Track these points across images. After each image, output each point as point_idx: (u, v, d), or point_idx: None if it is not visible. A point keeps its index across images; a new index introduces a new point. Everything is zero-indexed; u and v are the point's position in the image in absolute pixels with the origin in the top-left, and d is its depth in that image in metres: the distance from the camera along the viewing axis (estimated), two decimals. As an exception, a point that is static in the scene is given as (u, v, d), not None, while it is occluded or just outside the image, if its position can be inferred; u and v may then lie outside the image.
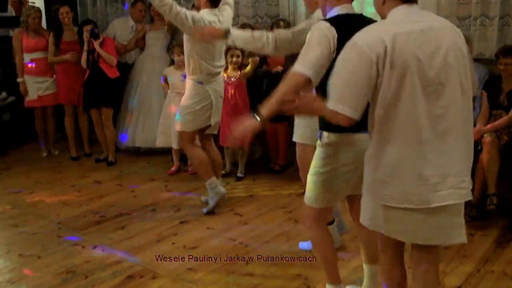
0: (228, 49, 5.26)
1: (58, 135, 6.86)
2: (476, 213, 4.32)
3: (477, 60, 4.65)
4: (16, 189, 5.46)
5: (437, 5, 4.76)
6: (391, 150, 2.20)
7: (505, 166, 4.29)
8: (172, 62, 5.86)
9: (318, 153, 2.89)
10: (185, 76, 4.78)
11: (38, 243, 4.15)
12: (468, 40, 4.50)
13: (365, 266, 3.20)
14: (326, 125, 2.72)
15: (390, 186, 2.22)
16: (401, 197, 2.21)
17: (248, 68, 5.33)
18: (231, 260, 3.79)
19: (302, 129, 3.59)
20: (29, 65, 6.26)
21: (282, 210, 4.69)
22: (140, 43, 6.53)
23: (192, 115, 4.53)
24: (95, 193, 5.29)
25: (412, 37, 2.12)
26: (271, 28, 5.31)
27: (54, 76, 6.36)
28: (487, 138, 4.23)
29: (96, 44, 5.80)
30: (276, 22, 5.48)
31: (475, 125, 4.45)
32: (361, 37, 2.17)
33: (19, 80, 6.29)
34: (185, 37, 4.48)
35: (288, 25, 5.32)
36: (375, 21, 2.71)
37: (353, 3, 2.82)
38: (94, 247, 4.05)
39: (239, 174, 5.59)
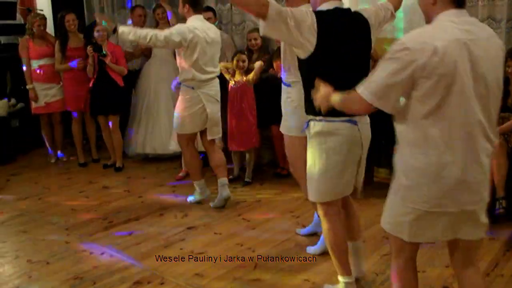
0: (235, 54, 5.37)
1: (66, 141, 6.88)
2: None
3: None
4: (24, 195, 5.49)
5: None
6: (432, 155, 2.19)
7: (514, 169, 4.26)
8: None
9: (308, 147, 3.03)
10: (178, 83, 4.89)
11: (47, 249, 4.16)
12: None
13: (349, 243, 3.32)
14: (311, 110, 2.90)
15: (427, 190, 2.22)
16: (438, 201, 2.22)
17: (253, 73, 5.34)
18: (239, 265, 3.78)
19: (288, 120, 3.66)
20: (37, 71, 6.30)
21: (290, 215, 4.68)
22: (146, 51, 6.51)
23: (186, 119, 4.72)
24: (103, 198, 5.31)
25: (464, 46, 2.11)
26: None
27: (61, 82, 6.40)
28: (495, 141, 4.20)
29: (107, 61, 5.83)
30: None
31: None
32: (411, 39, 2.15)
33: (28, 86, 6.32)
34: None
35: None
36: (361, 14, 2.99)
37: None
38: (102, 253, 4.06)
39: (246, 179, 5.58)
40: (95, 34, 5.89)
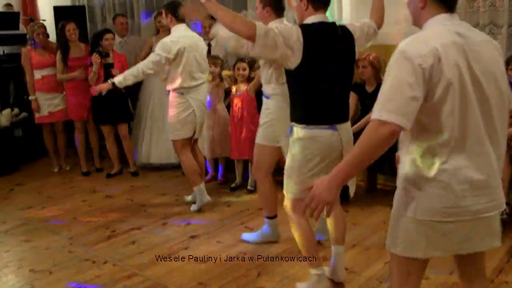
0: (236, 62, 5.40)
1: (69, 150, 6.89)
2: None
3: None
4: (28, 205, 5.49)
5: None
6: (444, 162, 2.10)
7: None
8: None
9: (290, 147, 3.22)
10: (168, 90, 5.00)
11: (50, 259, 4.16)
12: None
13: (333, 247, 3.56)
14: (296, 118, 3.15)
15: (440, 199, 2.12)
16: (453, 210, 2.12)
17: (254, 81, 5.34)
18: (242, 274, 3.77)
19: (263, 130, 3.93)
20: (40, 81, 6.33)
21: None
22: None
23: (179, 124, 4.88)
24: (106, 208, 5.31)
25: (461, 49, 2.05)
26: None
27: (64, 92, 6.42)
28: (503, 146, 4.18)
29: (115, 72, 5.87)
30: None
31: None
32: (411, 46, 2.06)
33: (31, 98, 6.35)
34: None
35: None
36: (346, 28, 3.19)
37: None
38: (105, 262, 4.05)
39: (249, 187, 5.58)
40: (105, 42, 5.95)
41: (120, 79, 4.85)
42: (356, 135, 3.05)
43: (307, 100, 3.10)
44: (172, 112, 4.90)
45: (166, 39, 4.76)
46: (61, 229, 4.78)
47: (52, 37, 6.85)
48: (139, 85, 6.53)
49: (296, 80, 3.12)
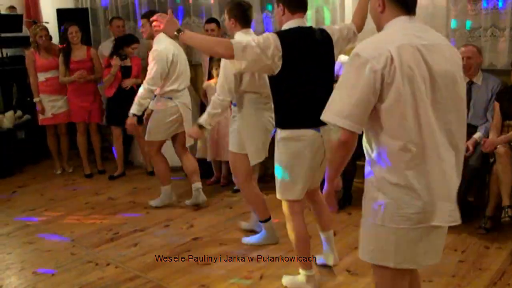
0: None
1: (72, 152, 6.90)
2: (491, 225, 4.28)
3: (488, 70, 4.64)
4: (30, 207, 5.50)
5: (447, 15, 4.76)
6: (407, 168, 2.08)
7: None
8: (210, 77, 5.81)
9: (276, 149, 3.34)
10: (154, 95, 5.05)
11: (52, 260, 4.16)
12: (479, 51, 4.49)
13: (321, 234, 3.74)
14: (279, 123, 3.27)
15: (408, 205, 2.10)
16: (418, 216, 2.10)
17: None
18: (245, 276, 3.78)
19: (232, 138, 4.08)
20: (44, 83, 6.35)
21: (295, 225, 4.66)
22: None
23: (163, 127, 5.01)
24: (108, 210, 5.32)
25: (417, 51, 2.04)
26: None
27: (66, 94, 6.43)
28: (500, 149, 4.19)
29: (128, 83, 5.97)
30: None
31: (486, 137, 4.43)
32: (364, 48, 2.06)
33: (35, 100, 6.37)
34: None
35: None
36: (325, 31, 3.27)
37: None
38: (108, 264, 4.06)
39: (252, 190, 5.57)
40: (130, 49, 6.02)
41: (133, 110, 4.89)
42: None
43: (289, 105, 3.19)
44: (157, 114, 4.99)
45: (158, 53, 4.79)
46: (63, 231, 4.78)
47: (55, 40, 6.86)
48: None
49: (277, 86, 3.21)
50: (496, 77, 4.58)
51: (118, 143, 6.36)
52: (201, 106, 6.08)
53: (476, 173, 4.39)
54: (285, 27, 3.18)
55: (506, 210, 4.13)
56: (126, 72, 6.05)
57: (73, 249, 4.37)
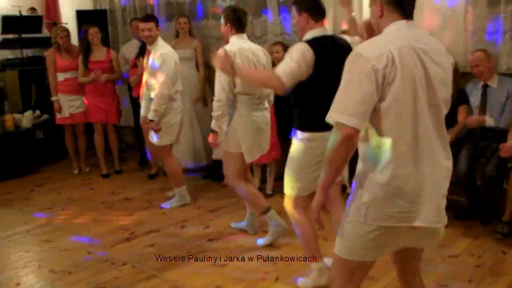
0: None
1: (89, 152, 6.96)
2: (508, 230, 4.24)
3: (506, 74, 4.61)
4: (48, 205, 5.56)
5: (464, 19, 4.73)
6: (395, 168, 2.10)
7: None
8: None
9: (292, 149, 3.43)
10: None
11: (69, 259, 4.20)
12: (487, 55, 4.45)
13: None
14: (300, 126, 3.36)
15: (392, 204, 2.13)
16: (402, 216, 2.14)
17: None
18: (260, 278, 3.78)
19: (227, 137, 4.19)
20: (63, 83, 6.42)
21: (311, 227, 4.66)
22: None
23: (171, 129, 5.13)
24: (125, 210, 5.35)
25: (415, 53, 2.09)
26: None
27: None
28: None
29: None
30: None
31: (488, 142, 4.39)
32: (366, 48, 2.12)
33: (53, 98, 6.44)
34: None
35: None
36: (344, 40, 3.40)
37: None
38: (124, 264, 4.08)
39: (268, 191, 5.57)
40: None
41: (152, 116, 4.98)
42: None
43: (312, 109, 3.28)
44: (166, 117, 5.06)
45: (166, 60, 4.98)
46: (80, 230, 4.83)
47: (74, 41, 6.93)
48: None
49: (301, 91, 3.29)
50: (513, 81, 4.55)
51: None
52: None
53: (493, 181, 4.36)
54: (310, 35, 3.30)
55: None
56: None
57: (90, 248, 4.41)
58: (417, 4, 2.25)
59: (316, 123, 3.20)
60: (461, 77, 4.71)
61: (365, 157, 2.21)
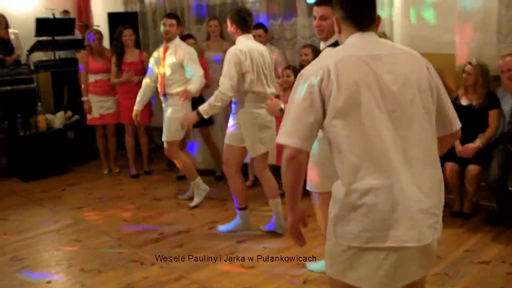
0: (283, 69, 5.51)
1: (119, 153, 7.05)
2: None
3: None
4: (79, 205, 5.64)
5: (498, 21, 4.65)
6: (353, 182, 1.97)
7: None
8: None
9: (315, 146, 3.35)
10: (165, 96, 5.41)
11: (99, 258, 4.26)
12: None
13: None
14: None
15: (355, 222, 1.98)
16: (367, 235, 1.97)
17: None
18: (288, 280, 3.77)
19: (230, 132, 4.46)
20: (94, 84, 6.52)
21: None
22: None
23: (179, 126, 5.09)
24: (154, 210, 5.40)
25: (361, 61, 2.01)
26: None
27: (116, 96, 6.58)
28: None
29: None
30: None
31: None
32: (307, 67, 2.11)
33: (84, 99, 6.54)
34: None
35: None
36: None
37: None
38: (153, 264, 4.12)
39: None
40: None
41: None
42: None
43: None
44: (178, 113, 5.16)
45: (193, 59, 5.28)
46: (110, 230, 4.88)
47: (105, 43, 7.02)
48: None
49: None
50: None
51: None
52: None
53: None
54: (332, 40, 3.26)
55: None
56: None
57: (119, 248, 4.46)
58: (448, 6, 2.20)
59: None
60: (492, 81, 4.64)
61: (333, 173, 2.09)
